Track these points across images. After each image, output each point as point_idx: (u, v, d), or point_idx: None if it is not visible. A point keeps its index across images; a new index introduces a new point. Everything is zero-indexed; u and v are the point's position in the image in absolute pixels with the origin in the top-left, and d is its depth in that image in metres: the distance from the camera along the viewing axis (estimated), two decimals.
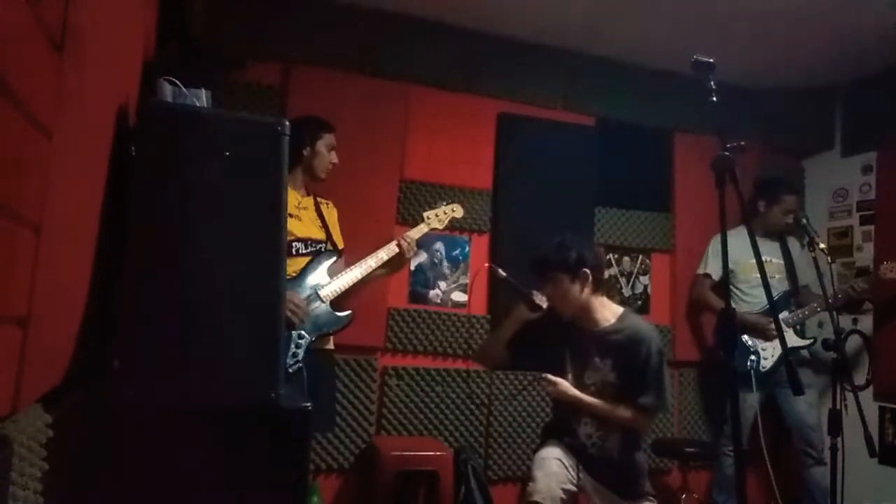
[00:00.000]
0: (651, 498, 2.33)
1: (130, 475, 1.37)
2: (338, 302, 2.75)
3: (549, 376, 2.37)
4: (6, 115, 0.83)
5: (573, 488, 2.29)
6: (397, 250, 2.84)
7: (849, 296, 3.42)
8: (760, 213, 3.62)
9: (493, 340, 2.67)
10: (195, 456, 1.40)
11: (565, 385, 2.35)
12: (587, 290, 2.33)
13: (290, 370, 2.50)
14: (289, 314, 2.49)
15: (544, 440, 2.47)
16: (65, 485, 1.27)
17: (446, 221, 3.13)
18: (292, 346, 2.53)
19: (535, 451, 2.45)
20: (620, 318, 2.36)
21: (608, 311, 2.38)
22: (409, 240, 2.88)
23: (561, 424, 2.44)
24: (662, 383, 2.28)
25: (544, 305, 2.40)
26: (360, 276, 2.78)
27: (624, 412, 2.29)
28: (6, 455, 0.95)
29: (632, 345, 2.27)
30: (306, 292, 2.64)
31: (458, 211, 3.18)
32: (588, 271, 2.31)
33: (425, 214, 3.10)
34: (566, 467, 2.28)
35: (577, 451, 2.33)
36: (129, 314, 1.40)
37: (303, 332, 2.56)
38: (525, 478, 3.45)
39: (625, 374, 2.29)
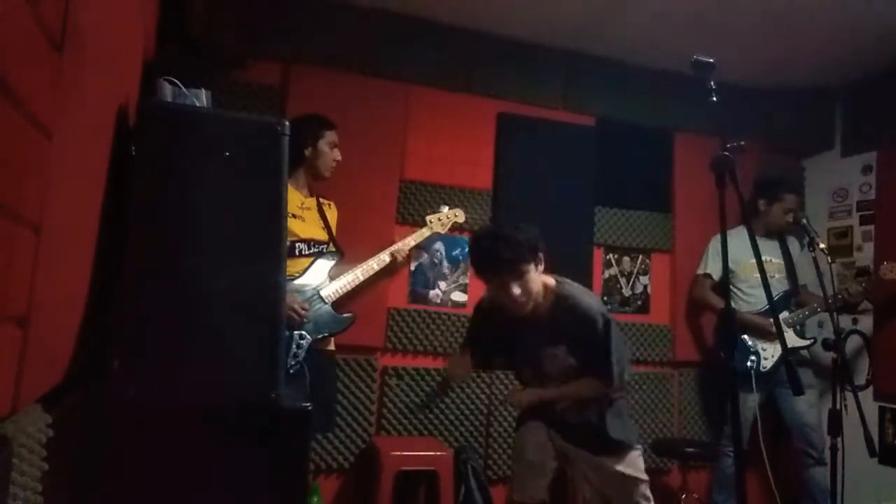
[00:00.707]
0: (637, 446, 2.29)
1: (130, 475, 1.37)
2: (339, 303, 2.76)
3: (509, 397, 2.40)
4: (6, 115, 0.83)
5: (556, 463, 2.31)
6: (388, 261, 2.88)
7: (844, 299, 3.41)
8: (761, 212, 3.62)
9: (454, 366, 2.71)
10: (195, 456, 1.40)
11: (524, 394, 2.37)
12: (541, 270, 2.17)
13: (291, 371, 2.51)
14: (292, 314, 2.51)
15: (521, 416, 2.46)
16: (65, 485, 1.27)
17: (448, 225, 3.16)
18: (293, 346, 2.54)
19: (515, 427, 2.46)
20: (559, 297, 2.19)
21: (546, 290, 2.20)
22: (401, 252, 2.92)
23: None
24: (620, 351, 2.18)
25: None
26: (362, 278, 2.80)
27: (592, 387, 2.22)
28: (6, 455, 0.95)
29: (579, 325, 2.15)
30: (308, 293, 2.65)
31: (460, 216, 3.21)
32: (542, 252, 2.15)
33: (428, 218, 3.13)
34: (545, 446, 2.29)
35: (555, 423, 2.32)
36: (129, 314, 1.40)
37: (304, 333, 2.57)
38: None
39: (581, 355, 2.20)
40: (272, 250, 1.54)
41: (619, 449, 2.26)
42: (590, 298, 2.23)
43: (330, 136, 2.80)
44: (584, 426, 2.28)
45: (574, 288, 2.24)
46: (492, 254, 2.07)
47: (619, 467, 2.25)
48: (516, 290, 2.09)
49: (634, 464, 2.27)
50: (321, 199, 2.88)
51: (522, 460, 2.30)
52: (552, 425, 2.33)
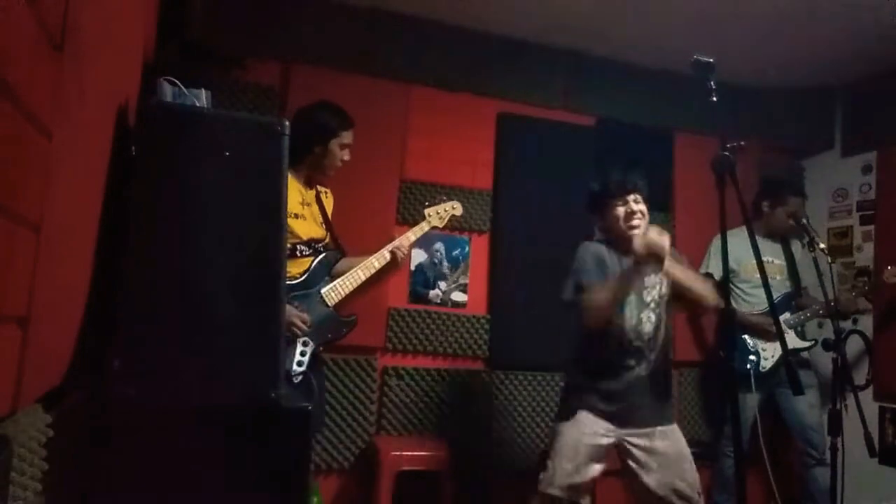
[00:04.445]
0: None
1: (130, 475, 1.37)
2: (341, 304, 2.70)
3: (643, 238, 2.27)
4: (6, 115, 0.83)
5: (600, 466, 2.30)
6: (389, 258, 2.82)
7: (837, 309, 3.39)
8: (764, 213, 3.60)
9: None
10: (195, 456, 1.40)
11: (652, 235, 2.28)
12: None
13: (296, 380, 2.44)
14: (293, 329, 2.43)
15: (572, 406, 2.33)
16: (65, 485, 1.27)
17: (447, 219, 3.10)
18: (297, 354, 2.47)
19: (559, 418, 2.38)
20: None
21: None
22: (401, 249, 2.85)
23: (606, 356, 2.33)
24: None
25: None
26: (363, 277, 2.72)
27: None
28: (6, 455, 0.95)
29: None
30: (311, 297, 2.59)
31: (458, 209, 3.14)
32: None
33: (426, 212, 3.06)
34: (596, 446, 2.26)
35: (613, 408, 2.29)
36: (129, 314, 1.40)
37: (307, 339, 2.51)
38: (525, 478, 3.47)
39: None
40: (272, 250, 1.54)
41: (668, 420, 2.35)
42: None
43: (345, 136, 2.68)
44: (646, 389, 2.29)
45: None
46: (625, 183, 2.56)
47: (681, 443, 2.31)
48: (641, 219, 2.51)
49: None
50: (319, 188, 2.80)
51: (565, 455, 2.24)
52: (609, 413, 2.29)
